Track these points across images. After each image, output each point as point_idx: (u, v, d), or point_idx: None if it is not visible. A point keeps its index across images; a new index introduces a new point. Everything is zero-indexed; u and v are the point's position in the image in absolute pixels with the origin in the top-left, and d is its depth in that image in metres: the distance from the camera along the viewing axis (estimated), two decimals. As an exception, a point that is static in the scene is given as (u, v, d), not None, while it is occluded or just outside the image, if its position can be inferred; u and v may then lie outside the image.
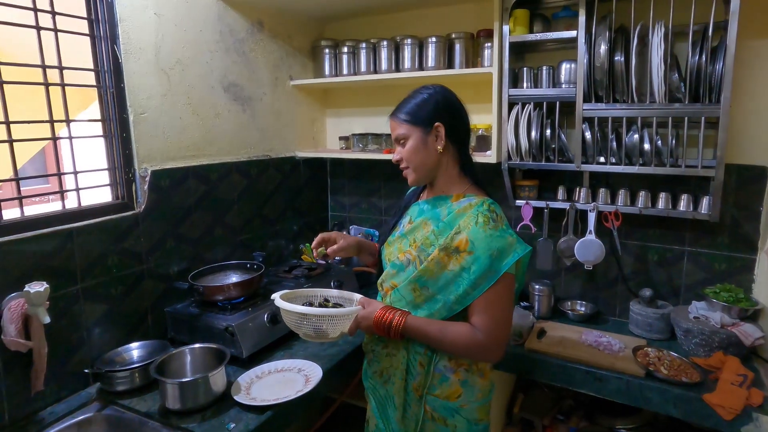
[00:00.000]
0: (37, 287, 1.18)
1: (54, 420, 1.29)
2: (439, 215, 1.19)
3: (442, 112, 1.15)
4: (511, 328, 1.34)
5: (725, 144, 1.51)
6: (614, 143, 1.69)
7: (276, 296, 1.19)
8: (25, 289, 1.18)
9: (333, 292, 1.32)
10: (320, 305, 1.25)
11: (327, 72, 2.22)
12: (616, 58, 1.60)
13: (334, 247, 1.32)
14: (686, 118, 1.57)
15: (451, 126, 1.16)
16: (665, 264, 1.88)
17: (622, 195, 1.80)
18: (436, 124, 1.14)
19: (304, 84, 2.24)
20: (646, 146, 1.64)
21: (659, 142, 1.64)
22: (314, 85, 2.27)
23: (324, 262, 2.12)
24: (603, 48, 1.58)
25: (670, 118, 1.59)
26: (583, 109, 1.69)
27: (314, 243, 1.34)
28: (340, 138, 2.35)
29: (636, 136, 1.65)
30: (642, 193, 1.76)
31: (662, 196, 1.73)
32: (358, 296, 1.26)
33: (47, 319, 1.20)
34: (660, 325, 1.75)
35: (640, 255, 1.91)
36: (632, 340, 1.74)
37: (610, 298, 2.00)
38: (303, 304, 1.19)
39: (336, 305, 1.26)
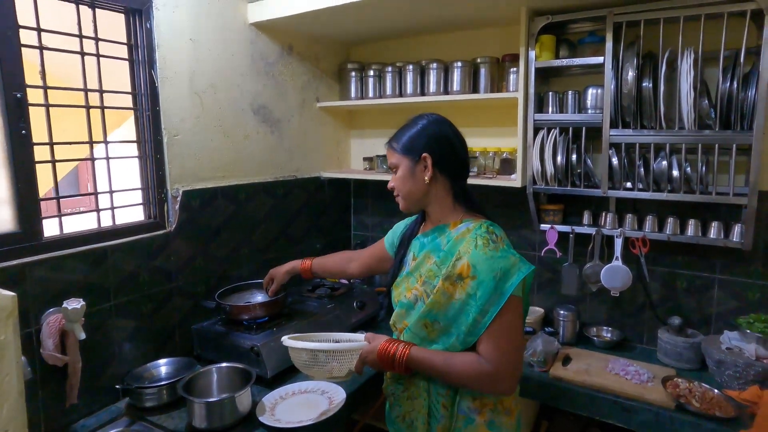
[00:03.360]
0: (75, 304, 1.21)
1: None
2: (439, 245, 1.17)
3: (431, 144, 1.15)
4: (523, 355, 1.30)
5: (759, 171, 1.49)
6: (642, 169, 1.68)
7: (285, 338, 1.23)
8: (63, 306, 1.21)
9: (342, 335, 1.33)
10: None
11: (353, 94, 2.26)
12: (643, 84, 1.60)
13: (273, 287, 1.68)
14: (717, 145, 1.55)
15: (441, 157, 1.15)
16: (694, 291, 1.83)
17: (649, 221, 1.77)
18: (424, 155, 1.14)
19: (330, 106, 2.29)
20: (675, 173, 1.62)
21: (688, 168, 1.62)
22: (340, 107, 2.32)
23: (347, 282, 2.14)
24: (630, 74, 1.58)
25: (699, 145, 1.57)
26: (610, 135, 1.68)
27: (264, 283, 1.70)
28: (365, 159, 2.38)
29: (664, 162, 1.64)
30: (670, 220, 1.73)
31: (691, 222, 1.70)
32: (364, 335, 1.26)
33: (83, 336, 1.23)
34: (690, 354, 1.70)
35: (668, 282, 1.87)
36: (661, 370, 1.69)
37: (637, 324, 1.95)
38: None
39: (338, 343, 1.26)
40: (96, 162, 1.49)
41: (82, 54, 1.39)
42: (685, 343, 1.70)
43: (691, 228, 1.69)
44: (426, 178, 1.16)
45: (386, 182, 2.02)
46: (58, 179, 1.38)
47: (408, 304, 1.19)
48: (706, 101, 1.58)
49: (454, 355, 1.10)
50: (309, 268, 1.62)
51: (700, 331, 1.78)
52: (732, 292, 1.76)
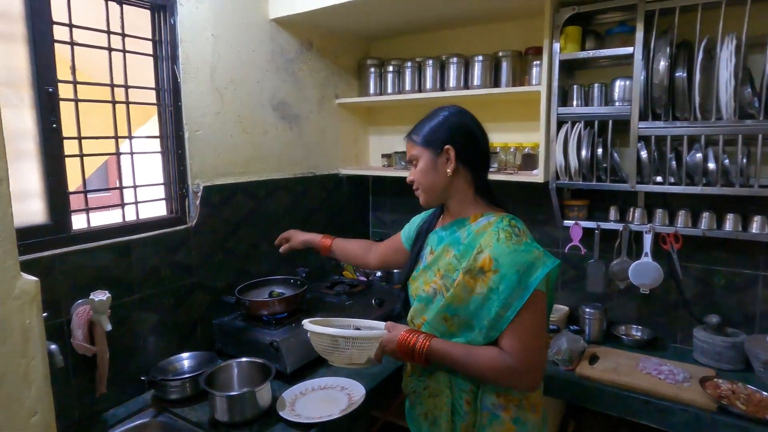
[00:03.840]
0: (101, 296, 1.23)
1: (115, 422, 1.36)
2: (459, 238, 1.14)
3: (454, 135, 1.12)
4: (546, 350, 1.27)
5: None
6: (674, 162, 1.62)
7: (306, 321, 1.21)
8: (90, 297, 1.23)
9: (364, 322, 1.31)
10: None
11: (372, 90, 2.25)
12: (677, 75, 1.53)
13: (285, 246, 1.64)
14: (760, 135, 1.47)
15: (463, 149, 1.13)
16: (734, 289, 1.75)
17: (682, 216, 1.70)
18: (446, 147, 1.12)
19: (349, 102, 2.28)
20: (711, 165, 1.55)
21: (726, 160, 1.55)
22: (359, 103, 2.31)
23: (365, 279, 2.12)
24: (663, 64, 1.53)
25: (740, 136, 1.50)
26: (639, 128, 1.63)
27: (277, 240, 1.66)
28: (383, 155, 2.37)
29: (699, 154, 1.57)
30: (705, 214, 1.66)
31: (729, 217, 1.62)
32: (384, 324, 1.24)
33: (109, 327, 1.25)
34: (731, 354, 1.62)
35: (704, 279, 1.80)
36: (698, 370, 1.61)
37: (670, 323, 1.88)
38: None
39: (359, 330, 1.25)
40: (123, 157, 1.51)
41: (110, 50, 1.41)
42: (725, 343, 1.62)
43: (730, 222, 1.62)
44: (449, 170, 1.13)
45: (405, 179, 1.99)
46: (88, 174, 1.40)
47: (427, 298, 1.17)
48: (749, 89, 1.50)
49: (476, 348, 1.08)
50: (329, 247, 1.58)
51: (742, 330, 1.70)
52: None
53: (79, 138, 1.33)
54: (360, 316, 1.83)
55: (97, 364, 1.29)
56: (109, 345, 1.32)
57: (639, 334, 1.90)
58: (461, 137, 1.13)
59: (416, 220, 1.40)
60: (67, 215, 1.31)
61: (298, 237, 1.64)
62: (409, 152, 1.19)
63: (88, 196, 1.41)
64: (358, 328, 1.29)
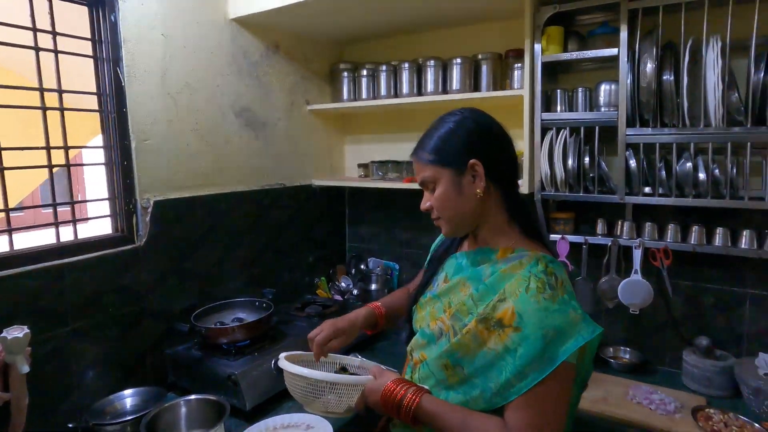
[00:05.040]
0: (16, 332, 1.05)
1: None
2: (480, 274, 0.94)
3: (477, 144, 0.91)
4: None
5: (798, 173, 1.32)
6: (663, 172, 1.51)
7: (281, 357, 1.04)
8: (2, 335, 1.05)
9: (355, 361, 1.15)
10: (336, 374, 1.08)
11: (345, 96, 2.12)
12: (664, 78, 1.43)
13: (335, 344, 1.13)
14: (749, 144, 1.38)
15: (492, 160, 0.91)
16: (723, 308, 1.64)
17: (671, 230, 1.60)
18: (472, 161, 0.90)
19: (321, 109, 2.14)
20: (701, 175, 1.45)
21: (716, 170, 1.45)
22: (332, 110, 2.17)
23: (340, 299, 1.97)
24: (650, 66, 1.42)
25: (729, 144, 1.40)
26: (627, 135, 1.52)
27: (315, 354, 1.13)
28: (359, 165, 2.23)
29: (689, 164, 1.47)
30: (695, 228, 1.55)
31: (719, 231, 1.52)
32: (372, 364, 1.08)
33: (26, 369, 1.07)
34: (720, 380, 1.51)
35: (693, 297, 1.69)
36: (689, 398, 1.51)
37: (659, 344, 1.76)
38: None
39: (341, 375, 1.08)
40: (59, 171, 1.35)
41: (37, 49, 1.25)
42: (714, 367, 1.51)
43: (719, 237, 1.51)
44: (478, 191, 0.91)
45: (384, 190, 1.82)
46: (28, 190, 1.24)
47: (430, 335, 0.98)
48: (736, 95, 1.41)
49: (475, 417, 0.88)
50: (384, 314, 1.22)
51: (730, 353, 1.59)
52: (766, 309, 1.57)
53: (-2, 149, 1.17)
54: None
55: (11, 413, 1.10)
56: (33, 386, 1.14)
57: (628, 356, 1.78)
58: (486, 146, 0.92)
59: (434, 245, 1.20)
60: (-21, 239, 1.14)
61: (342, 325, 1.15)
62: (420, 175, 0.96)
63: (28, 216, 1.23)
64: (344, 367, 1.13)
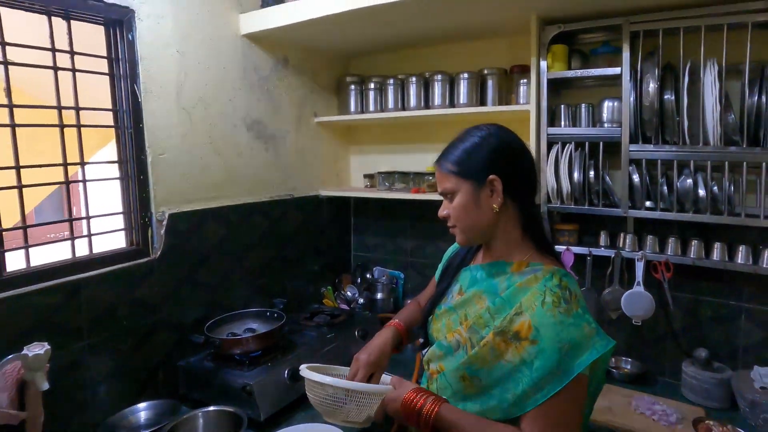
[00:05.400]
0: (37, 349, 1.06)
1: None
2: (496, 288, 0.97)
3: (498, 161, 0.94)
4: None
5: (792, 191, 1.37)
6: (665, 187, 1.55)
7: (303, 367, 1.07)
8: (23, 352, 1.06)
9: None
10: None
11: (352, 108, 2.15)
12: (665, 97, 1.48)
13: (376, 371, 1.14)
14: (745, 163, 1.43)
15: (511, 178, 0.94)
16: (721, 321, 1.69)
17: (672, 243, 1.64)
18: (491, 177, 0.93)
19: (328, 121, 2.17)
20: (701, 192, 1.49)
21: (715, 187, 1.50)
22: (339, 122, 2.20)
23: (347, 308, 2.00)
24: (652, 86, 1.47)
25: (726, 163, 1.45)
26: (630, 150, 1.57)
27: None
28: (365, 176, 2.26)
29: (689, 180, 1.51)
30: (694, 242, 1.60)
31: (717, 246, 1.57)
32: (388, 377, 1.10)
33: (45, 386, 1.07)
34: (718, 392, 1.55)
35: (691, 309, 1.73)
36: (689, 409, 1.54)
37: (658, 355, 1.80)
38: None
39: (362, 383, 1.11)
40: (75, 187, 1.36)
41: (55, 69, 1.27)
42: (713, 379, 1.55)
43: (717, 252, 1.56)
44: (495, 206, 0.95)
45: (388, 201, 1.85)
46: (33, 205, 1.25)
47: (448, 347, 1.01)
48: (732, 116, 1.46)
49: (493, 427, 0.91)
50: (403, 330, 1.23)
51: (727, 365, 1.63)
52: (761, 323, 1.62)
53: (17, 167, 1.19)
54: (342, 348, 1.71)
55: (27, 430, 1.10)
56: (48, 402, 1.15)
57: (629, 367, 1.82)
58: (507, 163, 0.95)
59: (447, 253, 1.24)
60: (-1, 256, 1.15)
61: (375, 359, 1.14)
62: (441, 184, 0.99)
63: (34, 230, 1.25)
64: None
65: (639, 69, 1.50)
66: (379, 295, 2.22)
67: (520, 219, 0.99)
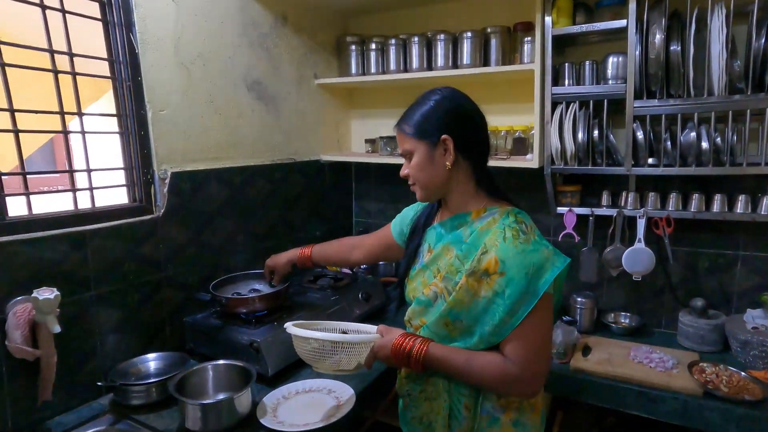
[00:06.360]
0: (47, 294, 1.07)
1: (63, 431, 1.20)
2: (460, 236, 1.06)
3: (450, 123, 1.01)
4: (551, 356, 1.20)
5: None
6: (669, 143, 1.56)
7: (288, 324, 1.10)
8: (33, 295, 1.07)
9: (350, 325, 1.21)
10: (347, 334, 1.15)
11: (353, 70, 2.11)
12: (671, 48, 1.47)
13: (276, 277, 1.55)
14: (748, 111, 1.44)
15: (462, 138, 1.02)
16: (717, 271, 1.74)
17: (673, 199, 1.66)
18: (444, 137, 1.00)
19: (329, 83, 2.14)
20: (704, 144, 1.50)
21: (718, 139, 1.51)
22: (339, 84, 2.17)
23: (349, 272, 2.01)
24: (658, 37, 1.46)
25: (730, 112, 1.46)
26: (634, 107, 1.57)
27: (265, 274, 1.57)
28: (366, 140, 2.24)
29: (692, 134, 1.52)
30: (695, 196, 1.62)
31: (717, 198, 1.59)
32: (374, 328, 1.15)
33: (57, 329, 1.10)
34: (713, 336, 1.62)
35: (690, 262, 1.77)
36: (684, 355, 1.61)
37: (656, 308, 1.86)
38: None
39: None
40: (73, 138, 1.33)
41: (43, 7, 1.20)
42: (708, 326, 1.62)
43: (717, 203, 1.59)
44: (447, 163, 1.02)
45: (390, 165, 1.90)
46: (28, 154, 1.21)
47: (427, 301, 1.08)
48: (738, 62, 1.46)
49: (477, 355, 1.00)
50: (308, 257, 1.50)
51: (722, 312, 1.69)
52: (755, 269, 1.67)
53: (11, 110, 1.14)
54: (347, 311, 1.72)
55: (41, 368, 1.13)
56: (60, 346, 1.17)
57: (627, 321, 1.87)
58: (458, 124, 1.02)
59: (409, 213, 1.29)
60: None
61: (280, 260, 1.53)
62: (401, 145, 1.07)
63: (30, 179, 1.22)
64: (344, 332, 1.19)
65: (645, 20, 1.49)
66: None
67: (473, 174, 1.06)
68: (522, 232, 0.98)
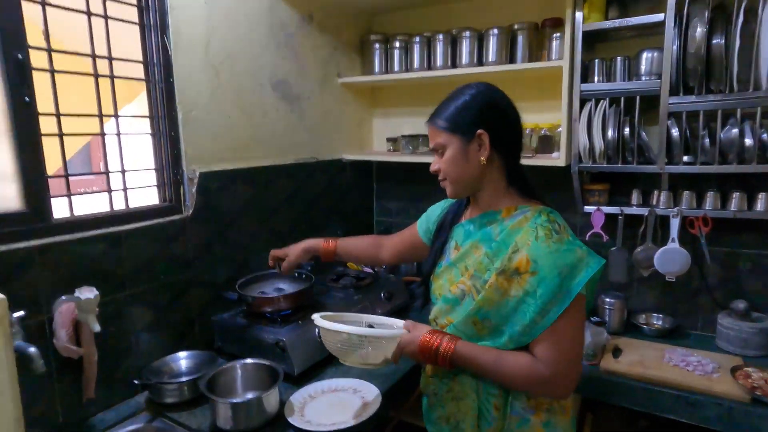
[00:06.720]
0: (88, 294, 1.10)
1: (105, 428, 1.24)
2: (490, 234, 1.04)
3: (486, 117, 0.99)
4: (582, 358, 1.17)
5: None
6: (707, 140, 1.51)
7: (316, 316, 1.10)
8: (75, 295, 1.10)
9: (377, 318, 1.21)
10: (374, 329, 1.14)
11: (377, 69, 2.10)
12: (713, 42, 1.42)
13: (285, 264, 1.46)
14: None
15: (497, 133, 1.00)
16: (760, 272, 1.67)
17: (710, 198, 1.61)
18: (479, 131, 0.98)
19: (352, 82, 2.13)
20: (748, 141, 1.45)
21: (764, 134, 1.45)
22: (362, 83, 2.16)
23: (371, 271, 2.00)
24: (699, 31, 1.41)
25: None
26: (670, 103, 1.52)
27: (270, 260, 1.49)
28: (388, 139, 2.23)
29: (734, 130, 1.47)
30: (736, 194, 1.57)
31: (761, 196, 1.53)
32: (401, 322, 1.14)
33: (97, 328, 1.13)
34: (757, 340, 1.56)
35: (728, 263, 1.71)
36: (726, 359, 1.55)
37: (691, 310, 1.80)
38: None
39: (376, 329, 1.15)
40: (108, 139, 1.36)
41: (89, 14, 1.24)
42: (752, 329, 1.56)
43: (762, 202, 1.52)
44: (482, 158, 1.00)
45: (411, 164, 1.87)
46: (68, 156, 1.25)
47: (454, 299, 1.06)
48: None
49: (506, 354, 0.99)
50: (333, 251, 1.45)
51: (765, 315, 1.63)
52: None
53: (57, 114, 1.18)
54: (369, 310, 1.72)
55: (84, 367, 1.17)
56: (98, 344, 1.19)
57: (660, 323, 1.82)
58: (494, 119, 1.00)
59: (436, 211, 1.28)
60: (47, 202, 1.16)
61: (297, 248, 1.46)
62: (433, 139, 1.05)
63: (70, 181, 1.25)
64: (371, 325, 1.18)
65: (686, 13, 1.44)
66: (403, 260, 2.21)
67: (506, 171, 1.04)
68: (555, 232, 0.97)
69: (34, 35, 1.10)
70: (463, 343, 1.01)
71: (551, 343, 0.94)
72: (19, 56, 1.07)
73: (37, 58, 1.12)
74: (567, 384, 0.97)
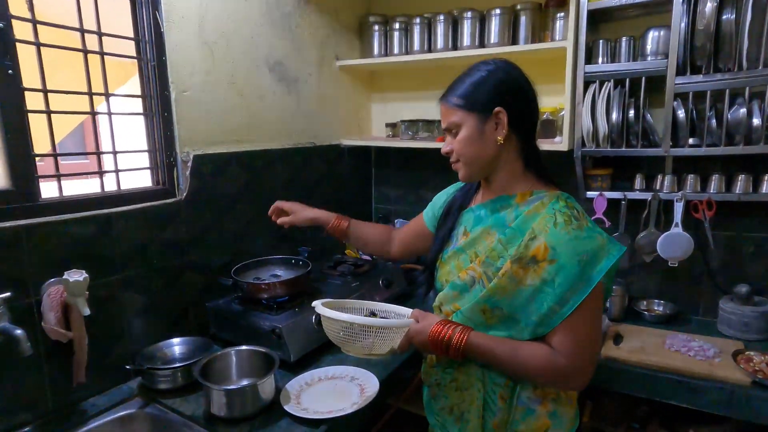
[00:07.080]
0: (77, 276, 1.07)
1: (96, 413, 1.21)
2: (503, 220, 0.99)
3: (505, 95, 0.94)
4: (600, 348, 1.12)
5: None
6: (713, 121, 1.47)
7: (317, 303, 1.05)
8: (64, 277, 1.07)
9: (380, 305, 1.17)
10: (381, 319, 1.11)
11: (376, 51, 2.06)
12: (724, 17, 1.37)
13: (286, 219, 1.36)
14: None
15: (516, 111, 0.94)
16: (763, 255, 1.65)
17: (715, 181, 1.58)
18: (497, 109, 0.93)
19: (350, 65, 2.08)
20: (756, 121, 1.41)
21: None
22: (361, 66, 2.11)
23: (369, 258, 1.97)
24: (709, 6, 1.36)
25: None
26: (676, 84, 1.48)
27: (271, 210, 1.39)
28: (387, 125, 2.19)
29: (742, 110, 1.43)
30: (741, 177, 1.53)
31: (766, 178, 1.50)
32: (406, 310, 1.10)
33: (87, 311, 1.10)
34: (758, 324, 1.54)
35: (732, 247, 1.69)
36: (727, 343, 1.53)
37: (692, 295, 1.78)
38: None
39: (383, 319, 1.11)
40: (100, 120, 1.31)
41: (76, -14, 1.20)
42: (753, 313, 1.54)
43: (767, 184, 1.49)
44: (499, 138, 0.95)
45: (410, 150, 1.81)
46: (60, 137, 1.21)
47: (462, 285, 1.02)
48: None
49: (523, 346, 0.94)
50: (345, 230, 1.34)
51: (766, 298, 1.61)
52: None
53: (45, 91, 1.13)
54: (367, 298, 1.69)
55: (74, 350, 1.14)
56: (88, 329, 1.16)
57: (661, 308, 1.80)
58: (513, 97, 0.95)
59: (441, 197, 1.23)
60: (33, 181, 1.12)
61: (304, 213, 1.36)
62: (446, 119, 0.99)
63: (61, 162, 1.21)
64: (373, 312, 1.15)
65: (694, -11, 1.39)
66: (402, 247, 2.18)
67: (522, 152, 1.00)
68: (574, 218, 0.92)
69: (17, 4, 1.05)
70: (475, 333, 0.97)
71: (570, 333, 0.90)
72: (0, 25, 1.02)
73: (22, 31, 1.07)
74: (584, 376, 0.94)
